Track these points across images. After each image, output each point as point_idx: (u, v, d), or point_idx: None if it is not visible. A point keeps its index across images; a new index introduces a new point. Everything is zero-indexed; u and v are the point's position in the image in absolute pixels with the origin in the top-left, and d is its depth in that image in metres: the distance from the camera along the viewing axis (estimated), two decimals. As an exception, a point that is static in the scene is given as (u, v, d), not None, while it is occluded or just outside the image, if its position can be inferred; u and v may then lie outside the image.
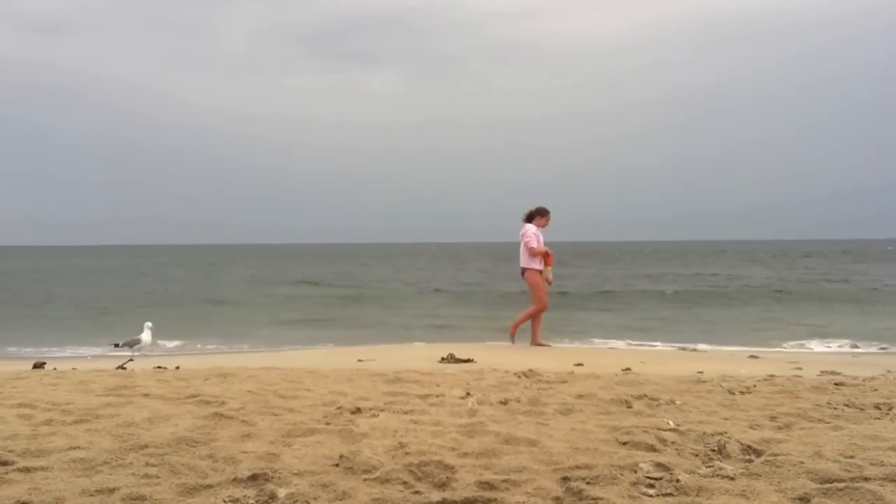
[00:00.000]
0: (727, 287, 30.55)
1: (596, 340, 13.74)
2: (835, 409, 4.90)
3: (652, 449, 3.76)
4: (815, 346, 12.78)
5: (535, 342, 10.85)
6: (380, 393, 5.58)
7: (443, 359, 9.07)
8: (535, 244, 10.72)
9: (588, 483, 3.19)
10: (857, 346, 12.23)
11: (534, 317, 10.92)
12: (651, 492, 3.15)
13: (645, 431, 4.06)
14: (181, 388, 5.73)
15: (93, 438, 3.95)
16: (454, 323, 18.11)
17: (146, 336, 10.42)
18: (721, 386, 5.96)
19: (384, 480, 3.28)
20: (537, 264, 10.79)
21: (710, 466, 3.47)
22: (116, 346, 10.78)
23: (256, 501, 3.02)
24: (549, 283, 11.00)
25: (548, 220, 11.05)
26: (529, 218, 11.00)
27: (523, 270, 10.81)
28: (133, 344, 10.45)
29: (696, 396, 5.46)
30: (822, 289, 29.01)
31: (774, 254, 72.48)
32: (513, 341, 11.04)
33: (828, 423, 4.48)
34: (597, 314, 20.16)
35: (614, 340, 13.56)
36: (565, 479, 3.26)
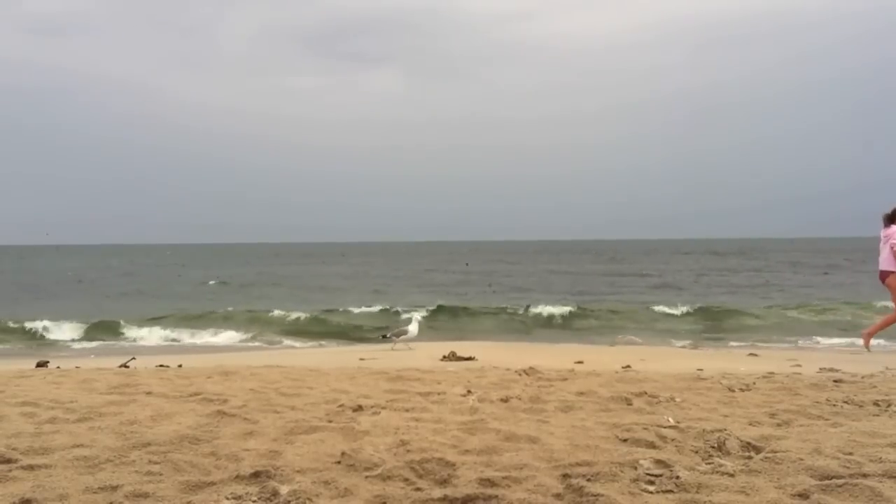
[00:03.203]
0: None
1: None
2: (834, 405, 4.92)
3: (652, 446, 3.77)
4: None
5: (867, 342, 10.18)
6: (381, 391, 5.60)
7: (444, 357, 9.10)
8: None
9: (588, 480, 3.21)
10: None
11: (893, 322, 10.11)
12: (651, 488, 3.17)
13: (645, 428, 4.08)
14: (184, 386, 5.75)
15: (96, 436, 3.97)
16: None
17: (413, 327, 10.81)
18: (721, 383, 5.97)
19: (386, 478, 3.30)
20: None
21: (709, 463, 3.49)
22: (384, 337, 11.21)
23: (259, 498, 3.04)
24: None
25: None
26: (891, 219, 9.93)
27: (885, 274, 9.98)
28: (400, 334, 10.85)
29: (696, 393, 5.47)
30: None
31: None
32: (867, 349, 10.25)
33: (827, 419, 4.49)
34: None
35: None
36: (566, 476, 3.28)
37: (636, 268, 45.38)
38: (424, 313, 10.98)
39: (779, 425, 4.34)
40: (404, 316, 10.93)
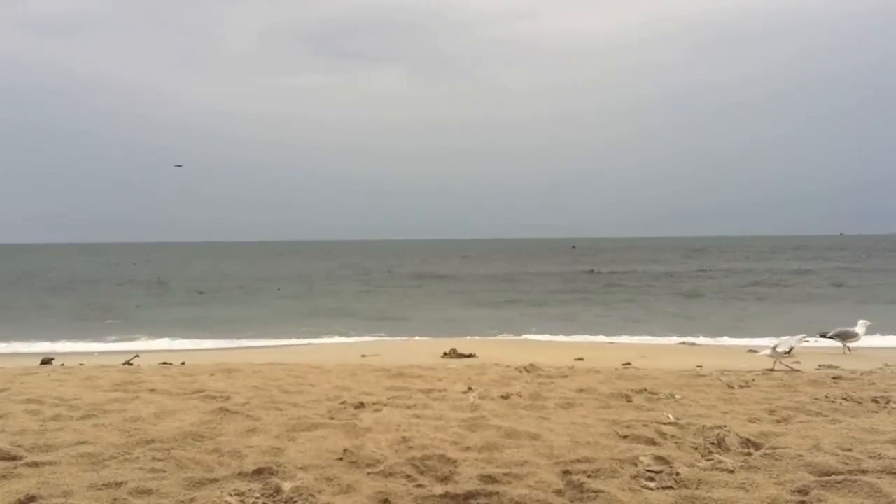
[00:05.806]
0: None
1: None
2: (833, 402, 4.94)
3: (652, 442, 3.80)
4: None
5: None
6: (383, 388, 5.62)
7: (445, 354, 9.14)
8: None
9: (589, 476, 3.24)
10: None
11: None
12: (651, 485, 3.19)
13: (645, 425, 4.11)
14: (187, 384, 5.77)
15: (100, 433, 3.99)
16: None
17: (861, 330, 10.05)
18: (720, 380, 5.99)
19: (388, 474, 3.33)
20: None
21: (709, 460, 3.51)
22: (823, 335, 10.34)
23: (262, 495, 3.06)
24: None
25: None
26: None
27: None
28: (846, 337, 10.10)
29: (696, 390, 5.49)
30: None
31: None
32: None
33: (826, 416, 4.51)
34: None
35: None
36: (566, 472, 3.31)
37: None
38: (869, 323, 10.29)
39: (778, 422, 4.37)
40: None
